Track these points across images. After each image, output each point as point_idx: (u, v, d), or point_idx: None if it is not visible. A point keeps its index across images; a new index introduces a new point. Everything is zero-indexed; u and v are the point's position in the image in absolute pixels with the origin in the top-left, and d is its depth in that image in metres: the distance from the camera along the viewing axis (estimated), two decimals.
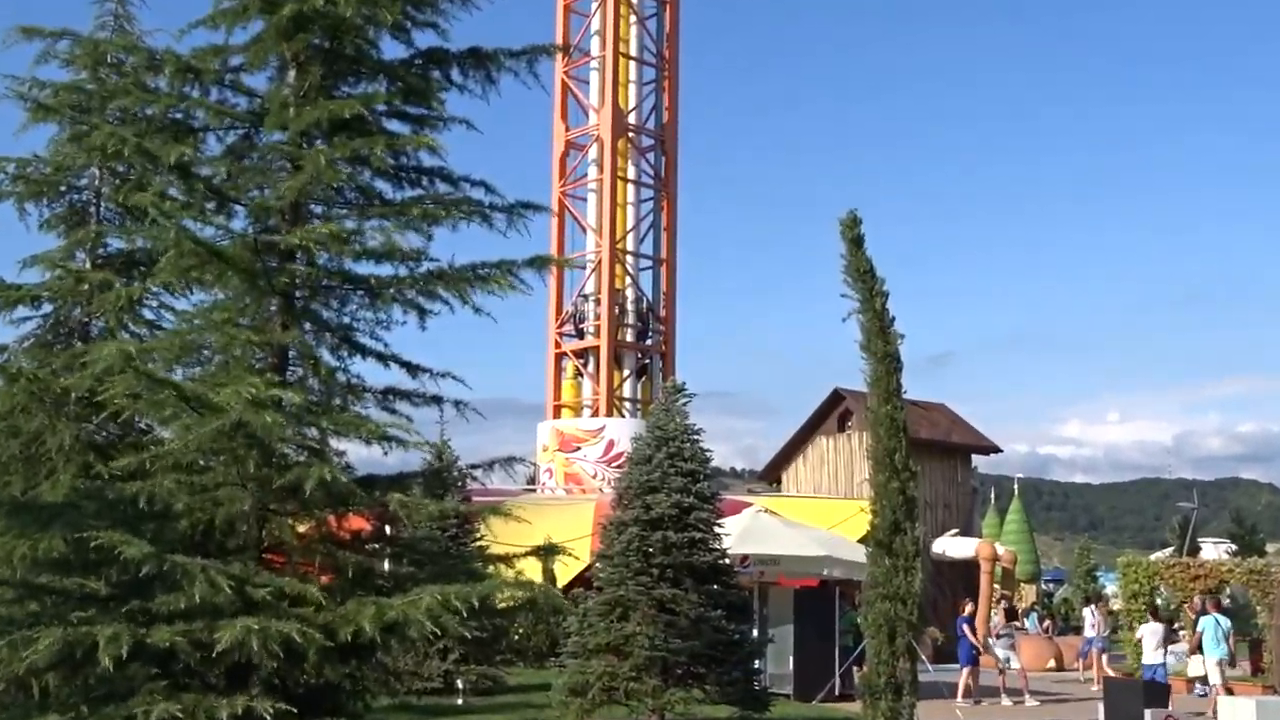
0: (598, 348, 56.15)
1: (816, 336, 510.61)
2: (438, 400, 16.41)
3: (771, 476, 61.56)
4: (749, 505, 39.72)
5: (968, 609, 38.49)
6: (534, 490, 50.86)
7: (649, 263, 59.04)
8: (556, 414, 56.63)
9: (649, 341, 57.74)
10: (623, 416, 54.84)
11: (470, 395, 16.47)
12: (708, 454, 27.99)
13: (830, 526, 41.54)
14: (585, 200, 58.57)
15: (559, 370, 57.19)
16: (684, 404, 28.08)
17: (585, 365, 56.67)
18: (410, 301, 15.91)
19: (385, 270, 15.89)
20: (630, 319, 57.12)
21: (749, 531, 35.09)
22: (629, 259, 58.02)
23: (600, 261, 56.87)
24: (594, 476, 52.94)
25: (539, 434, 55.70)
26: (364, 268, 15.84)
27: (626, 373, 56.66)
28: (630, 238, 58.20)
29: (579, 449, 53.74)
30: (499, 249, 16.57)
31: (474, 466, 17.33)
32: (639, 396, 56.38)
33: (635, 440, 28.71)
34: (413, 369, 16.22)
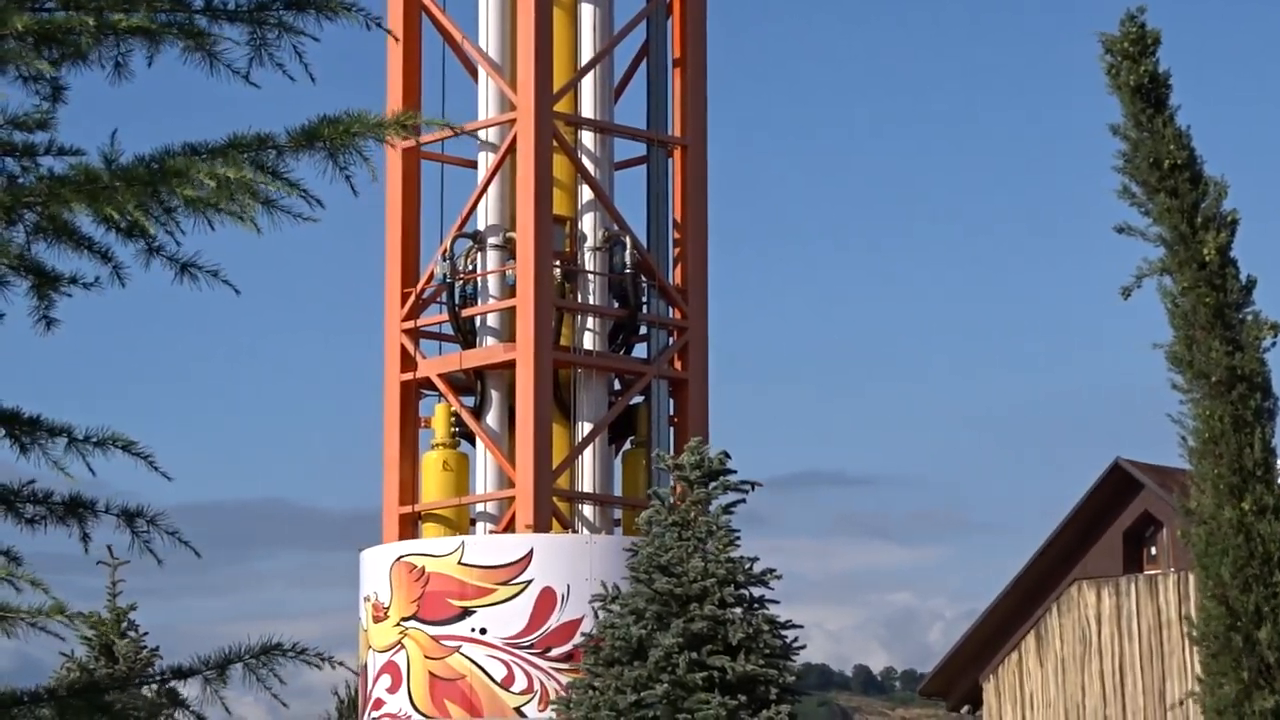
0: (508, 365, 34.38)
1: (1063, 335, 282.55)
2: (38, 506, 9.29)
3: (956, 686, 41.91)
4: None
5: None
6: None
7: (636, 149, 35.27)
8: (407, 530, 35.70)
9: (644, 350, 36.03)
10: (573, 531, 34.99)
11: (175, 497, 8.08)
12: (789, 639, 20.31)
13: None
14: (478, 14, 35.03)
15: (410, 424, 35.86)
16: (726, 510, 20.19)
17: (478, 409, 35.24)
18: None
19: None
20: (593, 290, 34.85)
21: None
22: (586, 138, 34.60)
23: (514, 136, 33.58)
24: (505, 684, 33.34)
25: (365, 576, 34.32)
26: None
27: (585, 426, 35.47)
28: (588, 90, 34.16)
29: (464, 616, 33.51)
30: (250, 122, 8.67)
31: (183, 675, 9.67)
32: (616, 488, 35.79)
33: (605, 603, 23.39)
34: None
